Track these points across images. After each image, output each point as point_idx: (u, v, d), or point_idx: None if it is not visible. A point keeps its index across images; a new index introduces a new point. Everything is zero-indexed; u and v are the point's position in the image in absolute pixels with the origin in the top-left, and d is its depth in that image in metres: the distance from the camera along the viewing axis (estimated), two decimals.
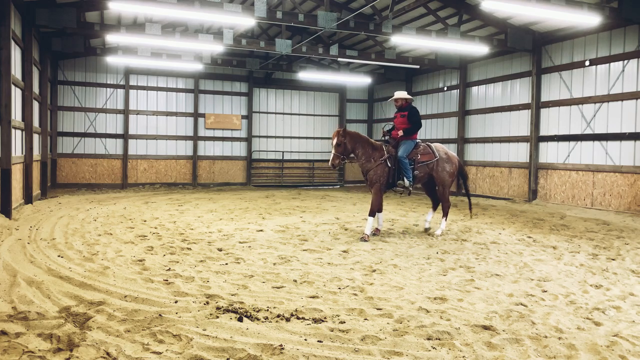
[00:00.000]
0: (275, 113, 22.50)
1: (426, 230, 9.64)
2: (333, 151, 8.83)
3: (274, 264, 6.80)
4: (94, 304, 4.85)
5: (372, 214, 8.94)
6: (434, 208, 9.94)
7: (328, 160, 22.64)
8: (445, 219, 9.50)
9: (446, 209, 9.54)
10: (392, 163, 8.98)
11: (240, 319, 4.50)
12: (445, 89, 19.11)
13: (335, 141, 8.80)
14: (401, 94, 9.32)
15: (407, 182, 8.97)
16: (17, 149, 11.74)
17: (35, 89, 14.24)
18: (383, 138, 9.45)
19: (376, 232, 9.22)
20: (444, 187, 9.47)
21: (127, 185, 19.69)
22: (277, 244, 8.23)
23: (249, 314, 4.66)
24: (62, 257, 6.94)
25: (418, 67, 17.72)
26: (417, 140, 9.32)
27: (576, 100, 13.86)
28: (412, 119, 9.09)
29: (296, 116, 22.85)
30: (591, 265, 7.02)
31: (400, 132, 9.11)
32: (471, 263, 7.02)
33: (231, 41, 13.83)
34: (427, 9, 14.02)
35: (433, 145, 9.56)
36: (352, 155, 9.10)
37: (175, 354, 3.78)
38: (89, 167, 19.34)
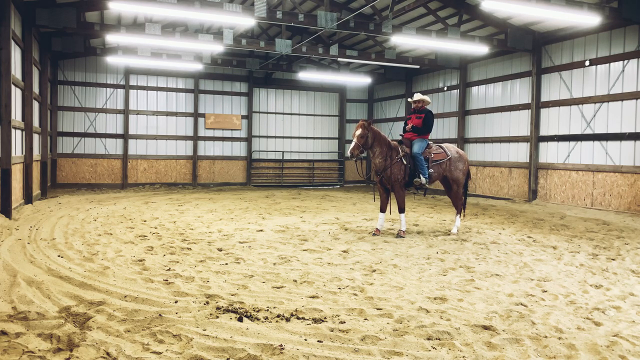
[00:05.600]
0: (275, 113, 22.49)
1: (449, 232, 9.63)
2: (355, 141, 8.90)
3: (274, 264, 6.80)
4: (94, 304, 4.85)
5: (402, 210, 9.19)
6: (459, 211, 9.90)
7: (328, 160, 23.34)
8: (459, 216, 9.75)
9: (460, 207, 9.78)
10: (407, 161, 9.18)
11: (240, 319, 4.50)
12: (445, 89, 19.10)
13: (359, 132, 8.90)
14: (422, 97, 9.55)
15: (423, 180, 9.15)
16: (17, 149, 11.74)
17: (35, 89, 14.23)
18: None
19: (376, 232, 9.26)
20: (458, 185, 9.75)
21: (127, 185, 19.68)
22: (277, 244, 8.23)
23: (249, 314, 4.66)
24: (62, 257, 6.94)
25: (418, 67, 17.72)
26: (429, 141, 9.55)
27: (576, 100, 13.86)
28: (427, 122, 9.37)
29: (296, 116, 22.85)
30: (591, 265, 7.02)
31: (409, 127, 9.42)
32: (471, 263, 7.03)
33: (231, 41, 13.83)
34: (427, 9, 14.02)
35: (444, 145, 9.87)
36: (367, 150, 9.19)
37: (175, 354, 3.78)
38: (89, 167, 19.34)
